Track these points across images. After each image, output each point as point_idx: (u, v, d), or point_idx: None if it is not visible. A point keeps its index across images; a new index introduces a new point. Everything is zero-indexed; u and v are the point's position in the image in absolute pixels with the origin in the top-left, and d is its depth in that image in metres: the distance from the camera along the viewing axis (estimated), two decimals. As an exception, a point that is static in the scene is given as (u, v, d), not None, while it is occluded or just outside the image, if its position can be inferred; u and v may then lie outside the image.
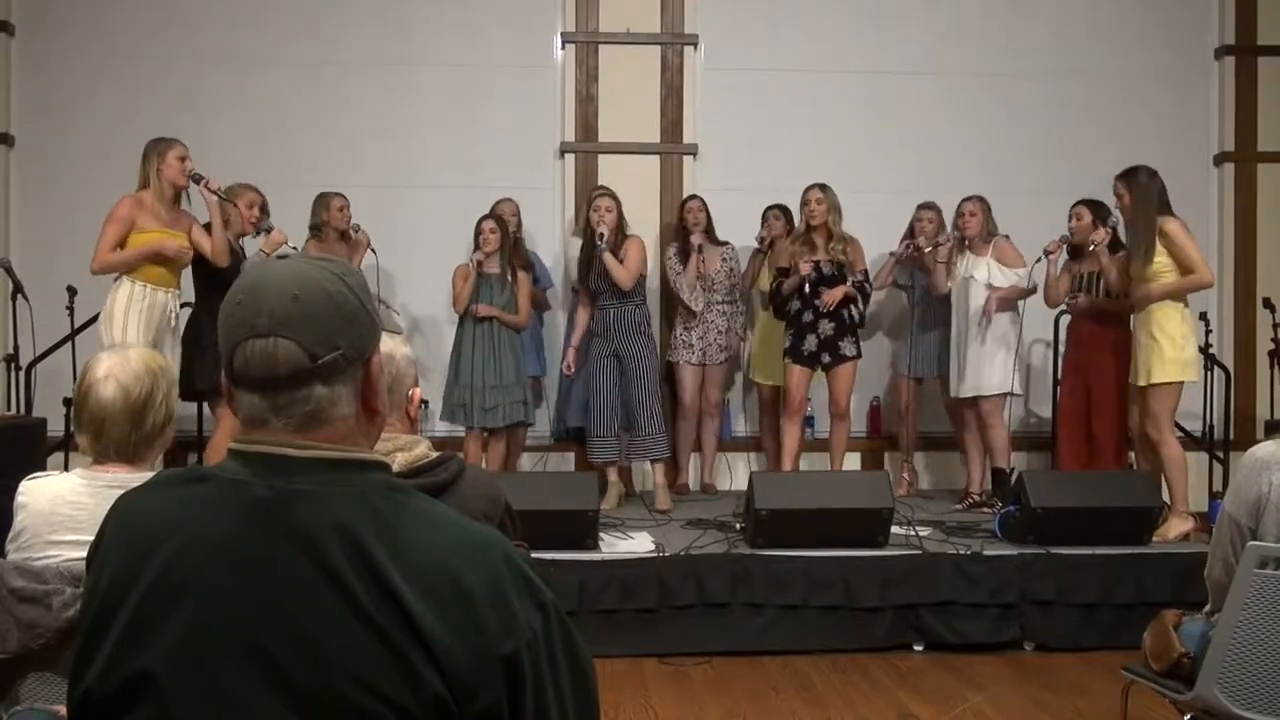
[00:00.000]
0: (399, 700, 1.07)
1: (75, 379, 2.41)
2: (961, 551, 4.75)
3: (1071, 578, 4.68)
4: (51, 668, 2.17)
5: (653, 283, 6.37)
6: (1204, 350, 5.63)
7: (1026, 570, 4.68)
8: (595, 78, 6.86)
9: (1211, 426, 6.24)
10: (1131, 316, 5.27)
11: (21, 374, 5.58)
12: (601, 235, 5.60)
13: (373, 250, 6.05)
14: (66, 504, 2.20)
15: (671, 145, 6.88)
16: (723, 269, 6.29)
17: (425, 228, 6.69)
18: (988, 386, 5.72)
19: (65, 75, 6.72)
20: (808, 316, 5.72)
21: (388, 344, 1.84)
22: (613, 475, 5.82)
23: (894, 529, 4.82)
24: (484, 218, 5.84)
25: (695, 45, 6.91)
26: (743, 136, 6.91)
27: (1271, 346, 6.03)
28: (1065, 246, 5.58)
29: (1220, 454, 6.21)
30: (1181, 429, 6.17)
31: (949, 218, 6.04)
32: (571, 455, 6.66)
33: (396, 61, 6.83)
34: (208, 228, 5.13)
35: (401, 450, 1.98)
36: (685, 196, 6.52)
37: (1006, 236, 5.85)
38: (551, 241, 6.86)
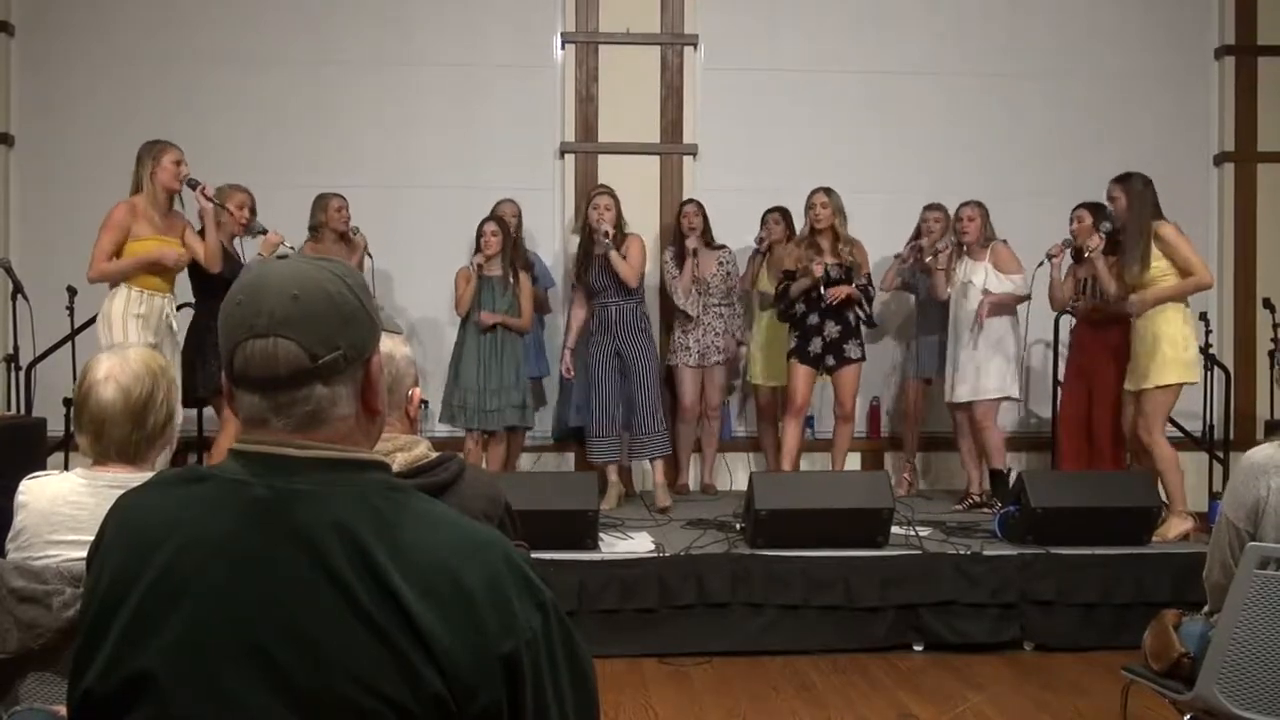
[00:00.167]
0: (399, 700, 1.08)
1: (75, 379, 2.40)
2: (961, 551, 4.75)
3: (1071, 578, 4.68)
4: (51, 668, 2.16)
5: (652, 282, 6.36)
6: (1204, 350, 5.62)
7: (1026, 570, 4.68)
8: (595, 78, 6.86)
9: (1211, 427, 6.23)
10: (1132, 320, 5.26)
11: (21, 374, 5.58)
12: (606, 233, 5.59)
13: (369, 254, 6.03)
14: (66, 504, 2.20)
15: (671, 145, 6.87)
16: (719, 273, 6.28)
17: (425, 228, 6.69)
18: (983, 391, 5.69)
19: (65, 75, 6.72)
20: (813, 319, 5.71)
21: (388, 344, 1.84)
22: (613, 475, 5.82)
23: (894, 529, 4.81)
24: (485, 220, 5.82)
25: (695, 45, 6.90)
26: (743, 137, 6.90)
27: (1271, 346, 6.02)
28: (1068, 250, 5.56)
29: (1220, 454, 6.20)
30: (1181, 429, 6.18)
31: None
32: (571, 455, 6.66)
33: (396, 61, 6.82)
34: (200, 231, 5.09)
35: (401, 450, 1.98)
36: (682, 200, 6.51)
37: (1004, 241, 5.83)
38: (552, 242, 6.86)
